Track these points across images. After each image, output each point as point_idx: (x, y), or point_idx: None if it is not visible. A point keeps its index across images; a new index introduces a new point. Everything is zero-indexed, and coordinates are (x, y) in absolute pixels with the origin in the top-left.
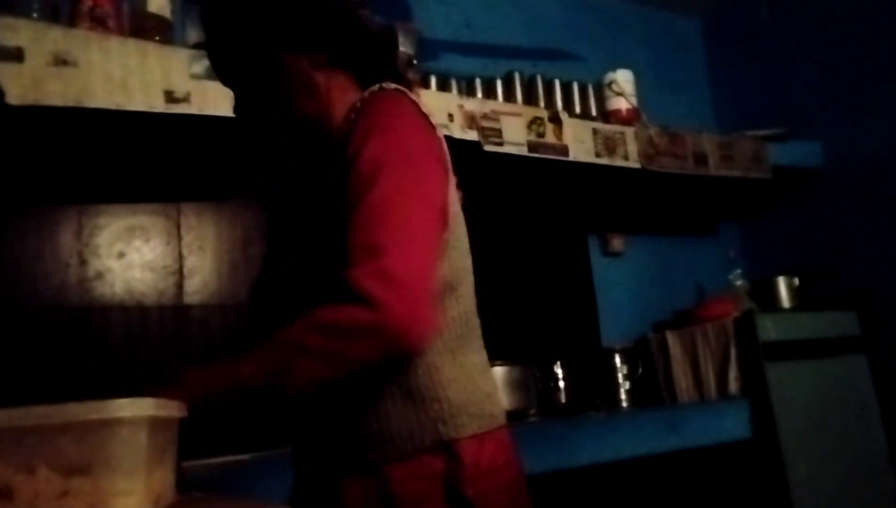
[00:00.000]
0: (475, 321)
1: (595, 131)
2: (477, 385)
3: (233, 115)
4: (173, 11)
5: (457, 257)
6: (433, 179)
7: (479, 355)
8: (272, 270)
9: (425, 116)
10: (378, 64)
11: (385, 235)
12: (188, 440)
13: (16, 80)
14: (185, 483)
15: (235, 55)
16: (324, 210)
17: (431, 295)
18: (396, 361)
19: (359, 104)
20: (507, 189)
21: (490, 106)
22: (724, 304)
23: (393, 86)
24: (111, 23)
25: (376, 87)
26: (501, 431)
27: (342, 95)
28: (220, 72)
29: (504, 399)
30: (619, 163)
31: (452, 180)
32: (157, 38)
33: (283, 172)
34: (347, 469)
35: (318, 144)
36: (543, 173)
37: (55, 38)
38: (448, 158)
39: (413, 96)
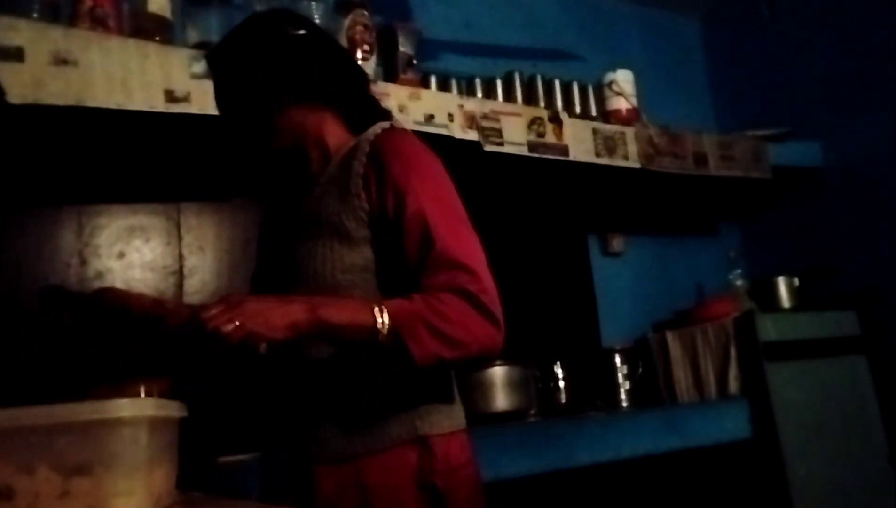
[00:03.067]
0: None
1: (595, 131)
2: (450, 388)
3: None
4: (173, 11)
5: None
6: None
7: None
8: (270, 272)
9: (426, 144)
10: (362, 104)
11: (471, 260)
12: (188, 440)
13: (16, 79)
14: (219, 476)
15: (238, 106)
16: (337, 218)
17: None
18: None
19: (372, 137)
20: (507, 189)
21: (490, 106)
22: (724, 304)
23: (400, 125)
24: (111, 23)
25: (387, 125)
26: (465, 433)
27: (331, 128)
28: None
29: (504, 399)
30: (619, 163)
31: None
32: (157, 38)
33: (279, 180)
34: (323, 458)
35: (302, 167)
36: (543, 173)
37: (55, 38)
38: None
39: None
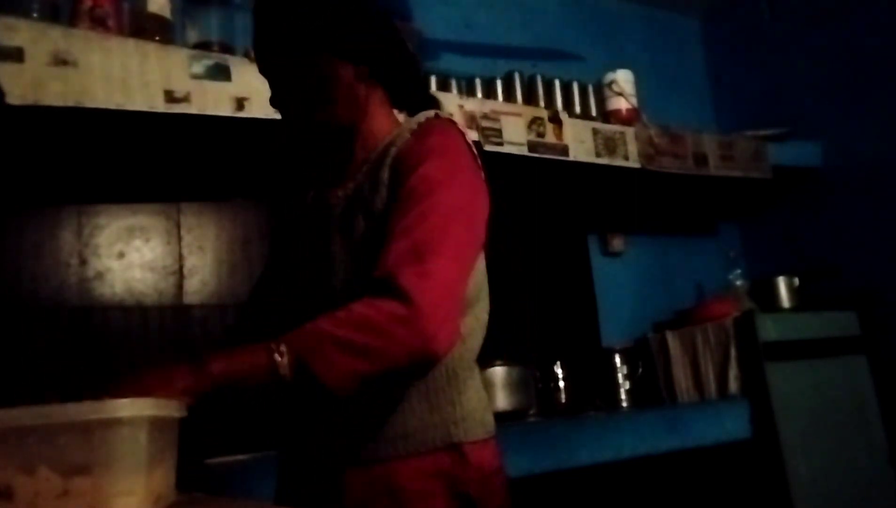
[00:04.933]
0: (483, 334)
1: (595, 131)
2: (482, 395)
3: (233, 115)
4: (173, 11)
5: (480, 272)
6: (479, 204)
7: (478, 367)
8: (282, 272)
9: (471, 145)
10: (414, 85)
11: (431, 244)
12: (188, 440)
13: (16, 80)
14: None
15: (286, 51)
16: (359, 218)
17: (460, 307)
18: (420, 367)
19: (415, 126)
20: (507, 189)
21: (490, 106)
22: (724, 304)
23: (446, 116)
24: (111, 23)
25: (432, 113)
26: (494, 440)
27: (379, 110)
28: (265, 64)
29: (504, 399)
30: (619, 163)
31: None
32: (157, 38)
33: (300, 174)
34: (352, 461)
35: (347, 151)
36: (543, 173)
37: (55, 38)
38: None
39: (460, 127)
